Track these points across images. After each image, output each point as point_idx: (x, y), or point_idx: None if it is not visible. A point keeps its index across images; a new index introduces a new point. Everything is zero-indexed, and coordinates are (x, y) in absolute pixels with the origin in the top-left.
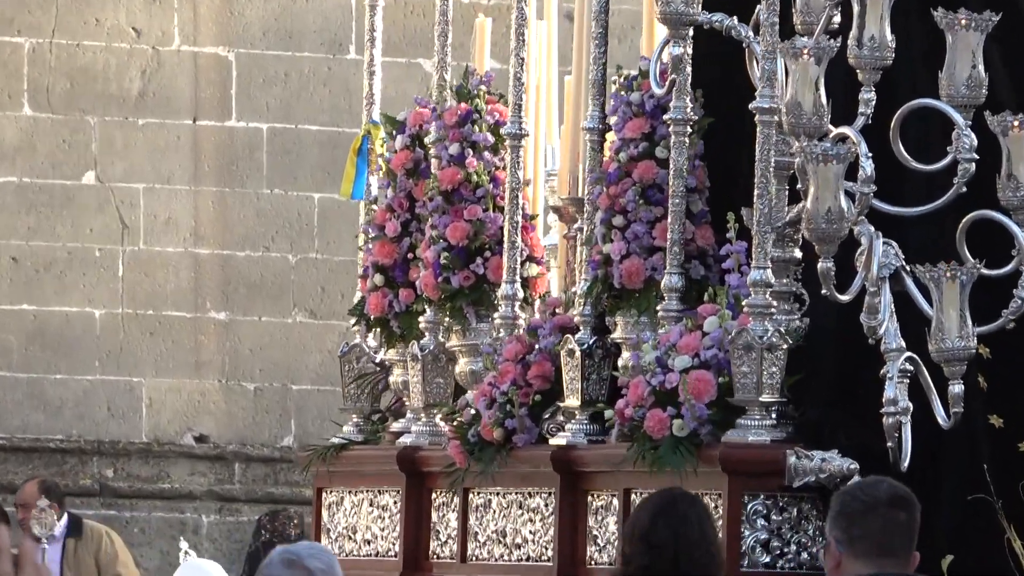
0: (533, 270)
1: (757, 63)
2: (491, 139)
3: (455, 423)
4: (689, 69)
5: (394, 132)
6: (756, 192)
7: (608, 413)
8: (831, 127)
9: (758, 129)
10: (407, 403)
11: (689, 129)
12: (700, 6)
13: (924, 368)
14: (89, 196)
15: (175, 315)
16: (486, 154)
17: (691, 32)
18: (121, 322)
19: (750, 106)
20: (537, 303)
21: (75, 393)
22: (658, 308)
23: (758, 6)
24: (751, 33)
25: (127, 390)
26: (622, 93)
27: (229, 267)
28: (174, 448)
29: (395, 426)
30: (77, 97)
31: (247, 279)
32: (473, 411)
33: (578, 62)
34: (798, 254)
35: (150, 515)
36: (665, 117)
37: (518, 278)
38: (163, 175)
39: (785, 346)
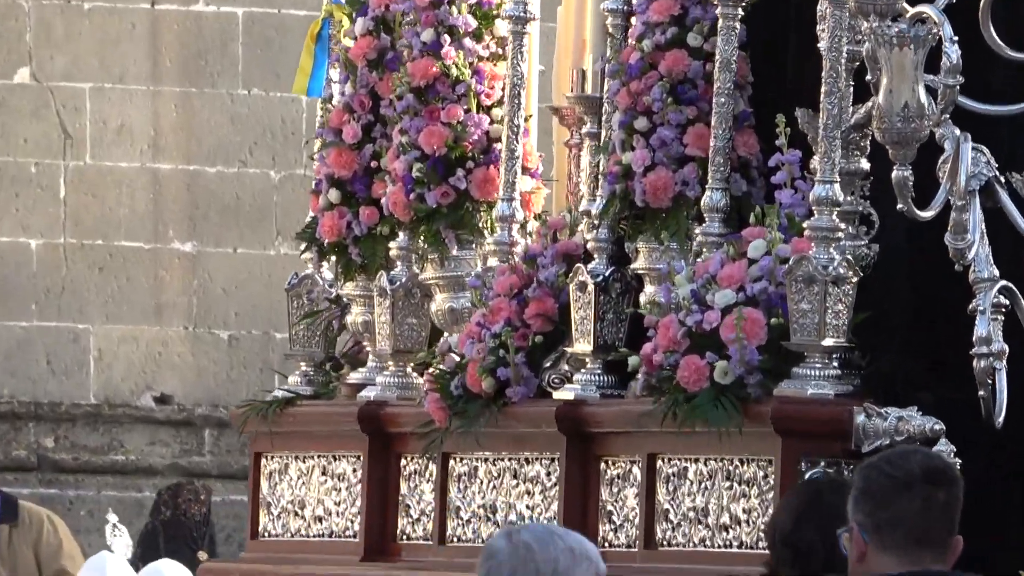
0: (527, 184)
1: None
2: (472, 23)
3: (433, 372)
4: None
5: (353, 14)
6: (824, 88)
7: (633, 360)
8: (907, 5)
9: (827, 8)
10: (370, 348)
11: (740, 10)
12: None
13: (1023, 300)
14: (23, 98)
15: (129, 246)
16: (467, 41)
17: None
18: (63, 255)
19: None
20: (535, 225)
21: (6, 343)
22: (694, 231)
23: None
24: None
25: (71, 340)
26: None
27: (196, 186)
28: (129, 411)
29: (353, 376)
30: None
31: (219, 201)
32: (457, 357)
33: None
34: (865, 164)
35: (100, 494)
36: None
37: (517, 195)
38: (114, 72)
39: (855, 278)
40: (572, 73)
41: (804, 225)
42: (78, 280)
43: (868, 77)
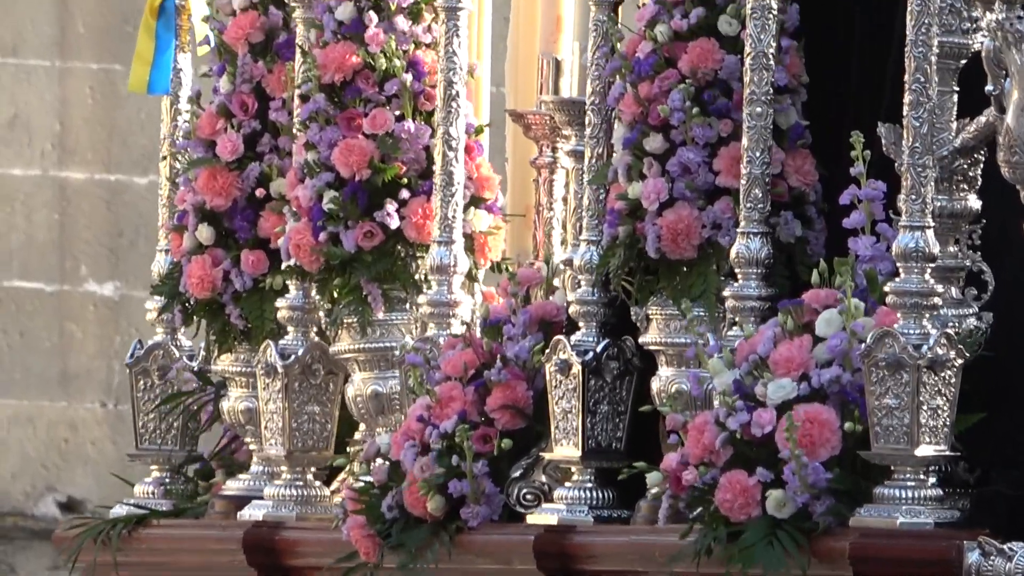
0: (480, 221)
1: None
2: None
3: (355, 485)
4: None
5: None
6: (908, 98)
7: (653, 476)
8: None
9: None
10: (254, 447)
11: None
12: None
13: None
14: None
15: (24, 288)
16: (399, 21)
17: None
18: None
19: None
20: (501, 281)
21: None
22: (725, 292)
23: None
24: None
25: None
26: None
27: (119, 204)
28: (24, 523)
29: (231, 486)
30: None
31: (151, 224)
32: (388, 465)
33: None
34: (976, 203)
35: None
36: None
37: (459, 236)
38: (5, 43)
39: (959, 361)
40: (540, 63)
41: (887, 288)
42: None
43: (989, 87)
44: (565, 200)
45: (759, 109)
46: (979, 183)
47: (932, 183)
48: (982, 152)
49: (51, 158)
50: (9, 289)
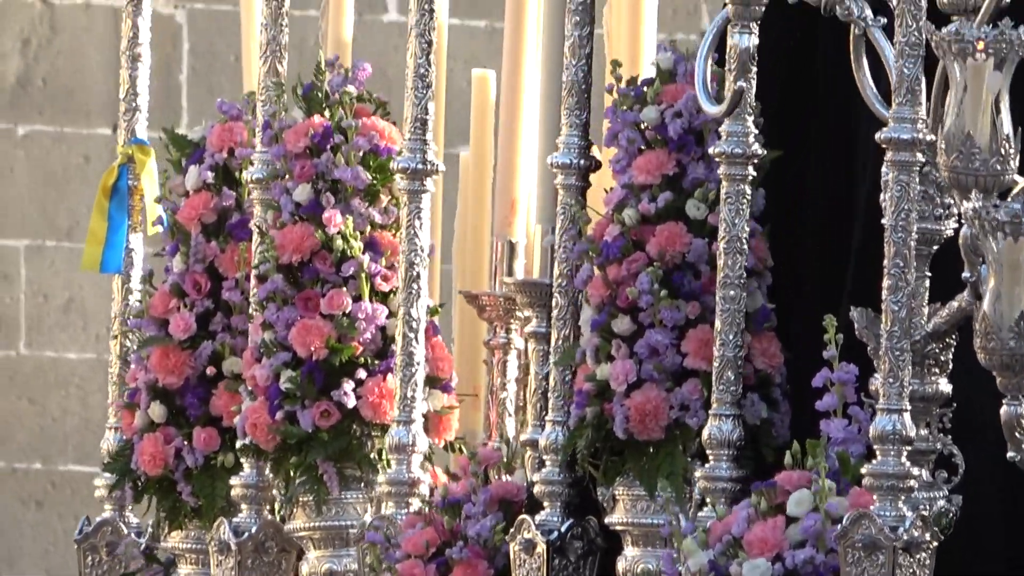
0: (436, 401)
1: (890, 67)
2: (366, 177)
3: None
4: (755, 72)
5: (182, 160)
6: (887, 282)
7: None
8: (1018, 176)
9: (890, 175)
10: None
11: (751, 170)
12: None
13: None
14: None
15: None
16: (356, 203)
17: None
18: None
19: (878, 137)
20: (456, 459)
21: None
22: (697, 473)
23: None
24: (865, 9)
25: None
26: (624, 108)
27: None
28: None
29: None
30: None
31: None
32: None
33: (548, 57)
34: (947, 387)
35: None
36: (713, 151)
37: (419, 415)
38: (61, 227)
39: (934, 543)
40: (495, 245)
41: (863, 471)
42: None
43: (965, 274)
44: (518, 380)
45: (732, 292)
46: (950, 367)
47: (909, 367)
48: (954, 336)
49: (105, 342)
50: (64, 473)
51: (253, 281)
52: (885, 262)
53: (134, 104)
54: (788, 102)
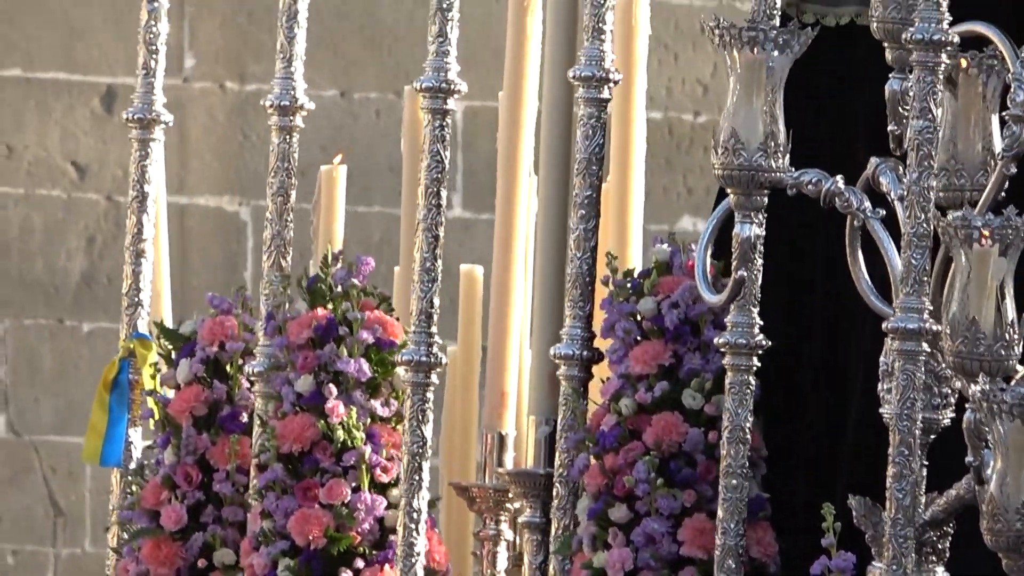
0: None
1: (888, 259)
2: (368, 371)
3: None
4: (760, 265)
5: (173, 354)
6: (892, 470)
7: None
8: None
9: (896, 364)
10: None
11: (755, 361)
12: (786, 158)
13: None
14: None
15: None
16: (358, 395)
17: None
18: None
19: (885, 326)
20: None
21: None
22: None
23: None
24: (864, 201)
25: None
26: (620, 299)
27: None
28: None
29: None
30: None
31: None
32: None
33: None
34: (943, 575)
35: None
36: (718, 341)
37: None
38: None
39: None
40: (484, 437)
41: None
42: None
43: (969, 458)
44: (507, 572)
45: (735, 481)
46: (947, 555)
47: (912, 555)
48: (951, 525)
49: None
50: None
51: (253, 470)
52: (890, 450)
53: (136, 299)
54: (785, 288)
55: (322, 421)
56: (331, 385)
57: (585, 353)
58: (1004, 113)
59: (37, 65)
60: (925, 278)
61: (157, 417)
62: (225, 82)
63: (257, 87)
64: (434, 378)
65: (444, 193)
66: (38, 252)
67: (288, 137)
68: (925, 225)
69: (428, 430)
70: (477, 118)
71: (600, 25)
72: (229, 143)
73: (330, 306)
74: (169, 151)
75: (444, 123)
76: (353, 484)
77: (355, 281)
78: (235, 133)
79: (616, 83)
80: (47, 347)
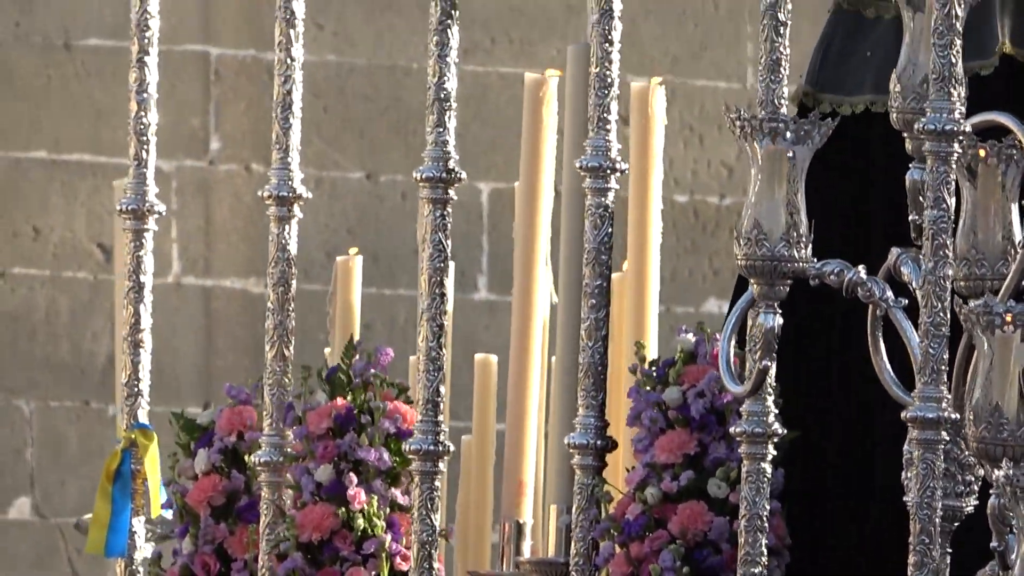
0: None
1: (911, 347)
2: (388, 460)
3: None
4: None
5: (192, 444)
6: (912, 559)
7: None
8: None
9: (915, 453)
10: None
11: (771, 449)
12: (808, 248)
13: None
14: None
15: None
16: (378, 484)
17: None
18: None
19: (904, 415)
20: None
21: None
22: None
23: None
24: (887, 291)
25: None
26: (647, 388)
27: None
28: None
29: None
30: None
31: None
32: None
33: (564, 338)
34: None
35: None
36: (734, 430)
37: None
38: None
39: None
40: (500, 526)
41: None
42: None
43: (993, 543)
44: None
45: (755, 570)
46: None
47: None
48: None
49: None
50: None
51: (261, 558)
52: (911, 539)
53: (136, 389)
54: (805, 381)
55: (342, 509)
56: (351, 474)
57: (599, 442)
58: None
59: (63, 147)
60: (943, 367)
61: (175, 506)
62: (251, 164)
63: None
64: (442, 466)
65: (448, 282)
66: (64, 334)
67: (286, 227)
68: (942, 314)
69: (437, 518)
70: (502, 199)
71: (605, 115)
72: (255, 225)
73: (349, 396)
74: (195, 234)
75: (445, 212)
76: (373, 573)
77: (375, 371)
78: (261, 215)
79: (623, 172)
80: (73, 429)
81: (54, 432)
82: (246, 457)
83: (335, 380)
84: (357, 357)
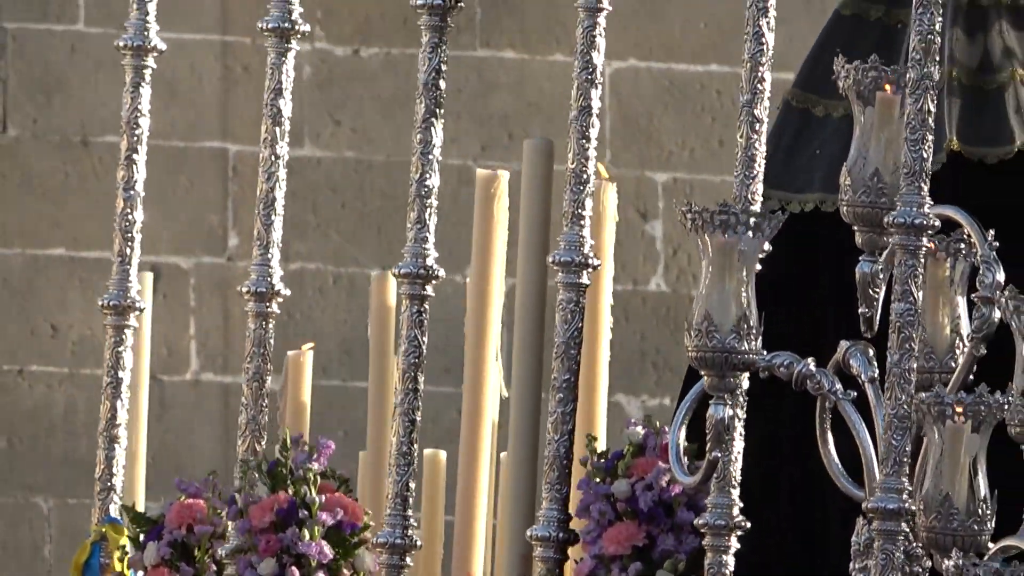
0: None
1: (860, 440)
2: (329, 552)
3: None
4: (740, 447)
5: (141, 537)
6: None
7: None
8: (989, 542)
9: (875, 544)
10: None
11: (734, 541)
12: (758, 340)
13: None
14: None
15: None
16: None
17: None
18: None
19: (865, 506)
20: None
21: None
22: None
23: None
24: (836, 383)
25: None
26: (596, 480)
27: None
28: None
29: None
30: None
31: None
32: None
33: (517, 428)
34: None
35: None
36: (698, 523)
37: None
38: None
39: None
40: None
41: None
42: None
43: None
44: None
45: None
46: None
47: None
48: None
49: None
50: None
51: None
52: None
53: (109, 483)
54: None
55: None
56: (293, 568)
57: (561, 535)
58: (974, 295)
59: (81, 244)
60: (906, 459)
61: None
62: None
63: (301, 265)
64: (409, 560)
65: (421, 378)
66: (82, 431)
67: (264, 323)
68: (906, 407)
69: None
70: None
71: (580, 211)
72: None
73: (291, 489)
74: (215, 331)
75: (422, 308)
76: None
77: (313, 465)
78: (282, 312)
79: (595, 268)
80: (91, 527)
81: (72, 529)
82: (196, 550)
83: (276, 474)
84: (301, 450)
